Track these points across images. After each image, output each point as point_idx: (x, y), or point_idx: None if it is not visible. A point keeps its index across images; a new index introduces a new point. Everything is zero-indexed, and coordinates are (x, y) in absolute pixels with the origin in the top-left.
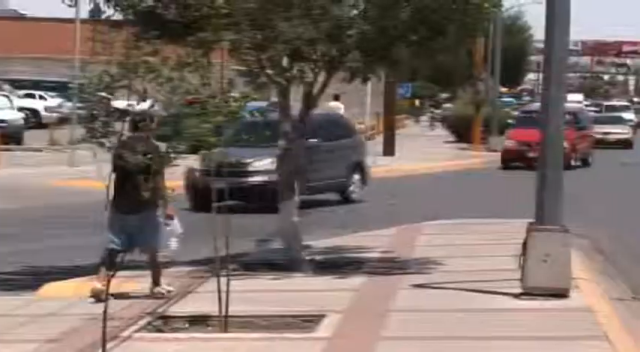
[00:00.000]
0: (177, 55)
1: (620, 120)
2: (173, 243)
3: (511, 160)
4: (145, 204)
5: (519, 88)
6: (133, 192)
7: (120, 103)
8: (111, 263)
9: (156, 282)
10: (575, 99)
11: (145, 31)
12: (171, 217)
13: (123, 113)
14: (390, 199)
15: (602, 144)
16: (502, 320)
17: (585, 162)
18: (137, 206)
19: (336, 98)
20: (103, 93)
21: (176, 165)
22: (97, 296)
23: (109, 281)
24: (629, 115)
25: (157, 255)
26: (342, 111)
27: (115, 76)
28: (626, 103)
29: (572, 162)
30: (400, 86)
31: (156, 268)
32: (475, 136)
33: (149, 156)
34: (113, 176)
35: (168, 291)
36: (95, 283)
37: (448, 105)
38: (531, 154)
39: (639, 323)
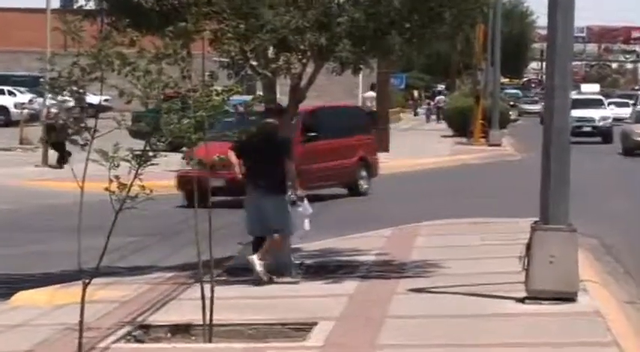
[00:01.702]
0: (154, 46)
1: None
2: (306, 224)
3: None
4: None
5: (525, 78)
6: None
7: (94, 98)
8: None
9: (262, 256)
10: (590, 90)
11: (120, 21)
12: (301, 198)
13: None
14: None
15: None
16: (505, 326)
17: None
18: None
19: (372, 88)
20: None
21: (155, 164)
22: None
23: (84, 291)
24: None
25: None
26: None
27: (87, 69)
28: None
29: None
30: (394, 77)
31: (270, 245)
32: (475, 130)
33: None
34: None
35: (265, 279)
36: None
37: (441, 97)
38: None
39: None
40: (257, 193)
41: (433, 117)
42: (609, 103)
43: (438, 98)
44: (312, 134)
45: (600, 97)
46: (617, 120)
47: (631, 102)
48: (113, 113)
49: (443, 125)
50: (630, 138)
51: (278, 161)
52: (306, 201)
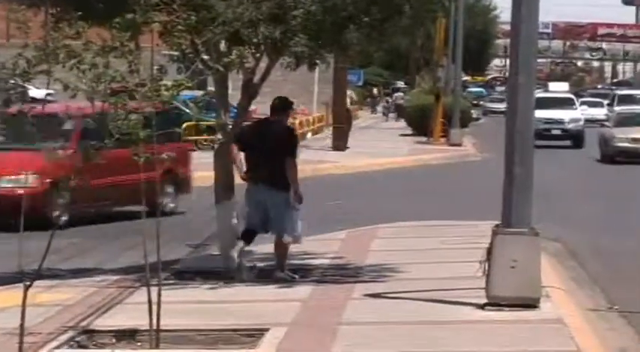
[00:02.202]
0: (101, 38)
1: None
2: (300, 227)
3: None
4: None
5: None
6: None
7: (38, 92)
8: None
9: (281, 268)
10: (559, 89)
11: (67, 12)
12: (299, 200)
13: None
14: (336, 199)
15: None
16: (464, 334)
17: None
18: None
19: None
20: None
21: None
22: None
23: (25, 295)
24: None
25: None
26: None
27: (32, 61)
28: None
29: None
30: (351, 73)
31: (282, 251)
32: (435, 129)
33: None
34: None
35: (292, 278)
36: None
37: (400, 93)
38: None
39: (615, 335)
40: (259, 188)
41: (392, 115)
42: (581, 103)
43: (395, 95)
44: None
45: (571, 96)
46: (590, 121)
47: (606, 102)
48: None
49: (402, 123)
50: (610, 143)
51: (280, 156)
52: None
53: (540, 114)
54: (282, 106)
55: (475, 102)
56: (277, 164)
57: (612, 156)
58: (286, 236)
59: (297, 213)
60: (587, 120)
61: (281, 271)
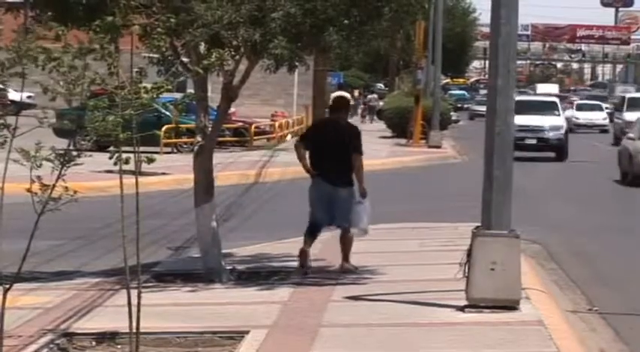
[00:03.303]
0: (79, 41)
1: None
2: (366, 223)
3: None
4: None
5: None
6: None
7: (16, 95)
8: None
9: (346, 258)
10: (548, 91)
11: (45, 14)
12: (364, 195)
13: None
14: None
15: None
16: (444, 336)
17: None
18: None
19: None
20: None
21: (80, 164)
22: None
23: (4, 297)
24: None
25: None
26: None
27: (6, 63)
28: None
29: None
30: (331, 75)
31: (348, 244)
32: (415, 132)
33: None
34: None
35: (356, 268)
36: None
37: (373, 95)
38: None
39: (595, 336)
40: (324, 184)
41: (368, 117)
42: (578, 107)
43: (369, 97)
44: None
45: (553, 99)
46: (587, 126)
47: (605, 105)
48: (35, 111)
49: (380, 125)
50: (637, 161)
51: (345, 153)
52: (367, 200)
53: (516, 120)
54: (337, 106)
55: (459, 105)
56: (342, 160)
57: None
58: (352, 229)
59: (363, 206)
60: (583, 126)
61: (346, 262)
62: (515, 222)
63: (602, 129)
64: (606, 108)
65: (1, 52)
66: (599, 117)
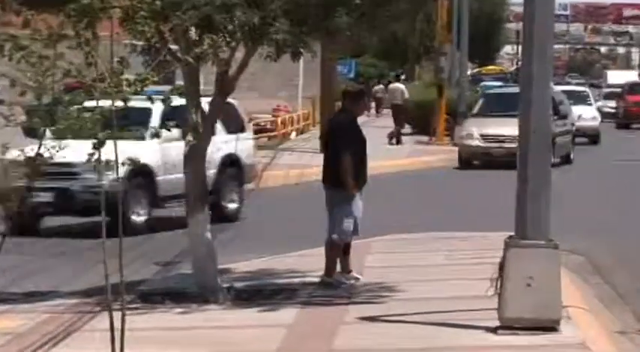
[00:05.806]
0: (48, 26)
1: None
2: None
3: None
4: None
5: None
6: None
7: None
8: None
9: (346, 269)
10: (622, 79)
11: None
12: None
13: None
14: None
15: None
16: None
17: None
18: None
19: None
20: None
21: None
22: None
23: None
24: None
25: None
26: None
27: None
28: None
29: None
30: (341, 64)
31: (347, 255)
32: (439, 128)
33: None
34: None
35: (357, 279)
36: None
37: (380, 86)
38: None
39: None
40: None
41: (383, 111)
42: None
43: (375, 88)
44: None
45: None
46: None
47: None
48: (2, 107)
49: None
50: None
51: (334, 153)
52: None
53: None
54: (344, 96)
55: None
56: (332, 161)
57: None
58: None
59: (344, 210)
60: None
61: (326, 275)
62: (553, 230)
63: None
64: None
65: None
66: None
